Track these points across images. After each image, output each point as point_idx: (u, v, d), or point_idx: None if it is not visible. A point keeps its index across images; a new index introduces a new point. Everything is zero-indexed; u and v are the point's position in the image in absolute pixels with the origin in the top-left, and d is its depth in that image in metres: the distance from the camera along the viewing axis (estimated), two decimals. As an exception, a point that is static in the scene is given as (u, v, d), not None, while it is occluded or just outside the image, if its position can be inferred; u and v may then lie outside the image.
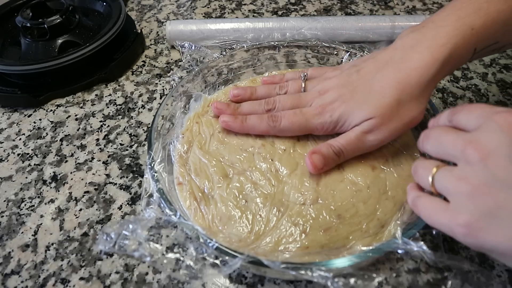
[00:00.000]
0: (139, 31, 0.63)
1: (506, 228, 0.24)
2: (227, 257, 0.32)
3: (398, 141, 0.42)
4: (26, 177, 0.46)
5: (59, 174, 0.46)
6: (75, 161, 0.48)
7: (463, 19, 0.35)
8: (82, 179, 0.46)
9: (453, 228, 0.26)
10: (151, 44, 0.65)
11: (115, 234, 0.33)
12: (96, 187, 0.45)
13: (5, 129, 0.53)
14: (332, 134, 0.40)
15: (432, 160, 0.31)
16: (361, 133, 0.37)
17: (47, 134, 0.51)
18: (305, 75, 0.44)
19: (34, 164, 0.48)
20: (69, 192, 0.44)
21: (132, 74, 0.59)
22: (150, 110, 0.53)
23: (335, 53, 0.51)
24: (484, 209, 0.24)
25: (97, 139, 0.50)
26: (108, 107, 0.54)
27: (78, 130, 0.51)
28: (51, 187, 0.45)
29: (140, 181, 0.45)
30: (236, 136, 0.43)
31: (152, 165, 0.38)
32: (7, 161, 0.48)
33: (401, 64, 0.37)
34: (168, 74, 0.59)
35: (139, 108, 0.54)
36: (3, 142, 0.51)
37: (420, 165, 0.31)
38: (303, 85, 0.43)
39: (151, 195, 0.37)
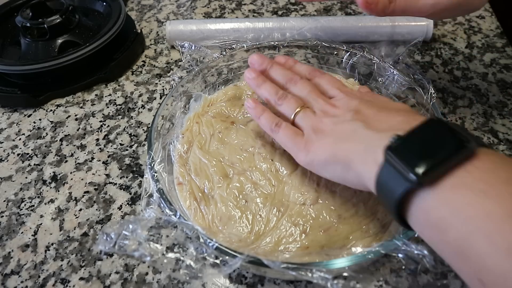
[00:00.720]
0: (139, 31, 0.63)
1: (330, 141, 0.33)
2: (227, 257, 0.32)
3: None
4: (26, 177, 0.46)
5: (59, 174, 0.46)
6: (75, 161, 0.48)
7: None
8: (82, 179, 0.46)
9: (300, 149, 0.35)
10: (151, 44, 0.65)
11: (115, 234, 0.33)
12: (96, 187, 0.45)
13: (5, 129, 0.53)
14: None
15: (295, 99, 0.38)
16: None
17: (47, 134, 0.51)
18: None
19: (34, 164, 0.48)
20: (69, 192, 0.44)
21: (132, 74, 0.59)
22: (150, 110, 0.53)
23: (335, 53, 0.51)
24: (321, 133, 0.34)
25: (97, 139, 0.50)
26: (108, 107, 0.54)
27: (78, 130, 0.51)
28: (51, 187, 0.45)
29: (140, 181, 0.45)
30: (236, 136, 0.43)
31: (152, 165, 0.38)
32: (7, 161, 0.48)
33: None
34: (168, 74, 0.59)
35: (139, 108, 0.54)
36: (3, 142, 0.51)
37: (287, 99, 0.38)
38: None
39: (151, 195, 0.37)
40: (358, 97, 0.36)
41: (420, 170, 0.25)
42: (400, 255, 0.31)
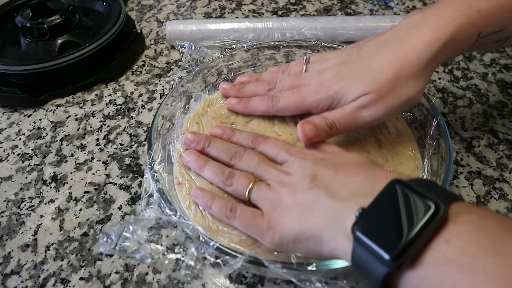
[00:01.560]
0: (139, 31, 0.63)
1: (294, 217, 0.31)
2: (227, 257, 0.32)
3: (398, 140, 0.42)
4: (26, 177, 0.46)
5: (59, 174, 0.46)
6: (75, 161, 0.48)
7: (470, 1, 0.35)
8: (82, 179, 0.46)
9: (264, 231, 0.32)
10: (151, 44, 0.65)
11: (115, 235, 0.33)
12: (96, 187, 0.45)
13: (5, 129, 0.53)
14: None
15: (244, 175, 0.36)
16: (356, 108, 0.36)
17: (47, 134, 0.51)
18: (307, 58, 0.44)
19: (34, 164, 0.48)
20: (69, 192, 0.44)
21: (132, 74, 0.59)
22: (150, 110, 0.53)
23: (335, 53, 0.51)
24: (283, 209, 0.32)
25: (97, 139, 0.50)
26: (108, 107, 0.54)
27: (78, 130, 0.51)
28: (51, 187, 0.45)
29: (140, 181, 0.45)
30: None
31: (152, 165, 0.38)
32: (7, 161, 0.48)
33: (401, 42, 0.36)
34: (168, 74, 0.59)
35: (139, 108, 0.54)
36: (3, 142, 0.51)
37: (236, 177, 0.36)
38: (305, 68, 0.43)
39: (151, 195, 0.37)
40: (310, 158, 0.34)
41: (395, 251, 0.23)
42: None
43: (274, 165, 0.36)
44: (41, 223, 0.42)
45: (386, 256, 0.23)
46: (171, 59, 0.61)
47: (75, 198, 0.44)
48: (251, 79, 0.46)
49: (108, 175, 0.46)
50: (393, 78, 0.35)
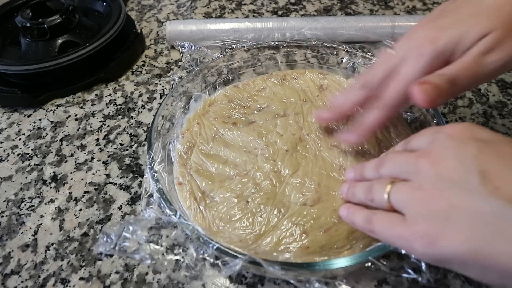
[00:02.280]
0: (139, 31, 0.63)
1: (461, 229, 0.23)
2: (227, 258, 0.32)
3: (399, 140, 0.42)
4: (26, 177, 0.46)
5: (59, 174, 0.46)
6: (75, 161, 0.48)
7: None
8: (82, 179, 0.46)
9: (412, 240, 0.25)
10: (151, 44, 0.65)
11: (115, 235, 0.33)
12: (96, 187, 0.45)
13: (5, 129, 0.53)
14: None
15: (379, 181, 0.29)
16: (479, 54, 0.29)
17: (47, 134, 0.51)
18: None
19: (34, 164, 0.48)
20: (69, 192, 0.44)
21: (132, 74, 0.59)
22: (150, 110, 0.53)
23: (335, 53, 0.51)
24: (438, 213, 0.23)
25: (97, 139, 0.50)
26: (108, 107, 0.54)
27: (78, 130, 0.51)
28: (51, 187, 0.45)
29: (140, 181, 0.45)
30: (239, 137, 0.43)
31: (152, 165, 0.38)
32: (7, 161, 0.48)
33: None
34: (168, 74, 0.59)
35: (139, 108, 0.54)
36: (3, 142, 0.51)
37: (372, 185, 0.29)
38: None
39: (151, 195, 0.37)
40: (468, 136, 0.25)
41: None
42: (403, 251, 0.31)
43: (414, 153, 0.27)
44: (41, 223, 0.42)
45: None
46: (171, 59, 0.61)
47: (75, 198, 0.44)
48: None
49: (108, 175, 0.46)
50: None
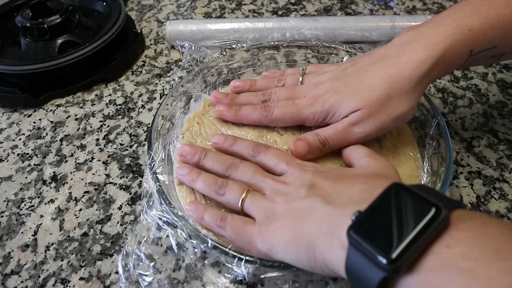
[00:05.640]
0: (139, 31, 0.63)
1: (287, 222, 0.30)
2: (227, 258, 0.32)
3: (399, 140, 0.42)
4: (26, 177, 0.46)
5: (59, 174, 0.46)
6: (75, 161, 0.48)
7: (461, 19, 0.35)
8: (82, 179, 0.46)
9: (255, 237, 0.31)
10: (151, 44, 0.65)
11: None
12: (96, 187, 0.45)
13: (5, 129, 0.53)
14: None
15: (237, 184, 0.34)
16: (348, 124, 0.37)
17: (47, 134, 0.51)
18: (303, 69, 0.44)
19: (34, 164, 0.48)
20: (69, 192, 0.44)
21: (132, 74, 0.59)
22: (150, 110, 0.53)
23: (335, 53, 0.51)
24: (277, 215, 0.31)
25: (97, 139, 0.50)
26: (108, 107, 0.54)
27: (78, 130, 0.51)
28: (51, 187, 0.45)
29: (140, 181, 0.45)
30: (239, 137, 0.43)
31: (152, 165, 0.38)
32: (7, 161, 0.48)
33: (395, 58, 0.36)
34: (168, 74, 0.59)
35: (139, 108, 0.54)
36: (3, 142, 0.51)
37: (228, 183, 0.35)
38: (301, 79, 0.43)
39: (151, 195, 0.37)
40: (310, 169, 0.34)
41: (393, 254, 0.21)
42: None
43: (271, 175, 0.35)
44: (41, 223, 0.42)
45: (382, 259, 0.22)
46: (171, 59, 0.61)
47: (75, 198, 0.44)
48: (245, 85, 0.46)
49: (108, 175, 0.46)
50: (385, 95, 0.36)
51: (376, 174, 0.32)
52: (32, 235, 0.41)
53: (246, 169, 0.35)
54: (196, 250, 0.34)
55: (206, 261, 0.37)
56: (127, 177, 0.45)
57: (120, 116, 0.53)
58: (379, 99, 0.36)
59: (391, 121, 0.37)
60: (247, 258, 0.31)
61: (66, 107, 0.55)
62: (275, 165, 0.36)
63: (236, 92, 0.46)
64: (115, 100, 0.55)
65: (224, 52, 0.51)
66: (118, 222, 0.41)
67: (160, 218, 0.35)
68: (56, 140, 0.50)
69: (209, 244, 0.32)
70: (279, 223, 0.30)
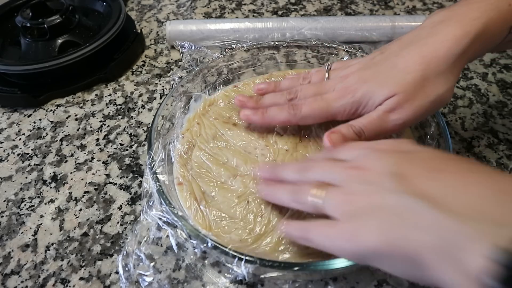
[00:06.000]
0: (139, 31, 0.63)
1: (378, 224, 0.25)
2: (227, 258, 0.32)
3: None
4: (26, 177, 0.46)
5: (59, 174, 0.46)
6: (75, 161, 0.48)
7: None
8: (82, 179, 0.46)
9: (342, 239, 0.27)
10: (151, 44, 0.65)
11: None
12: (96, 187, 0.45)
13: (5, 129, 0.53)
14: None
15: (309, 184, 0.30)
16: (384, 112, 0.35)
17: (47, 134, 0.51)
18: (329, 65, 0.42)
19: (34, 164, 0.48)
20: (69, 192, 0.44)
21: (132, 74, 0.59)
22: (150, 110, 0.53)
23: (335, 53, 0.51)
24: (362, 212, 0.26)
25: (97, 139, 0.50)
26: (108, 107, 0.54)
27: (78, 130, 0.51)
28: (51, 187, 0.45)
29: (140, 181, 0.45)
30: (239, 138, 0.43)
31: (152, 165, 0.38)
32: (7, 161, 0.48)
33: (427, 39, 0.34)
34: (168, 74, 0.59)
35: (139, 108, 0.54)
36: (3, 142, 0.51)
37: (300, 188, 0.31)
38: (327, 75, 0.41)
39: (151, 195, 0.37)
40: (389, 149, 0.29)
41: None
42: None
43: (340, 163, 0.30)
44: (41, 223, 0.42)
45: None
46: (171, 59, 0.61)
47: (75, 198, 0.44)
48: (269, 87, 0.44)
49: (108, 175, 0.46)
50: (421, 77, 0.33)
51: (471, 161, 0.29)
52: (32, 235, 0.41)
53: (318, 168, 0.31)
54: (196, 250, 0.34)
55: (206, 261, 0.37)
56: (127, 177, 0.45)
57: (120, 116, 0.53)
58: (414, 81, 0.33)
59: (430, 104, 0.34)
60: (247, 258, 0.31)
61: (66, 107, 0.55)
62: (345, 154, 0.31)
63: (261, 94, 0.44)
64: (115, 100, 0.55)
65: (224, 52, 0.51)
66: (118, 222, 0.41)
67: (160, 218, 0.35)
68: (56, 140, 0.50)
69: (209, 244, 0.32)
70: (361, 222, 0.26)
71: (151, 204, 0.36)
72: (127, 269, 0.34)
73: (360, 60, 0.40)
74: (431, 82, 0.34)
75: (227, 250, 0.31)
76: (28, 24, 0.57)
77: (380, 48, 0.39)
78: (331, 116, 0.38)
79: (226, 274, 0.35)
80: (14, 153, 0.49)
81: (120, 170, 0.46)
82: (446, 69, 0.33)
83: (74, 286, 0.37)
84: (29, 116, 0.54)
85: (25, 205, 0.44)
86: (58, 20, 0.57)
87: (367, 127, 0.35)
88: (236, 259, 0.31)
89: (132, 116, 0.53)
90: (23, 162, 0.48)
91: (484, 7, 0.33)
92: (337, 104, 0.37)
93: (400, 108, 0.34)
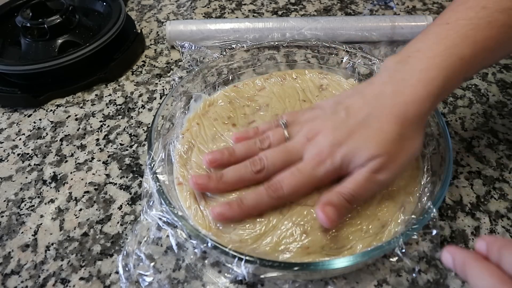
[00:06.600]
0: (139, 31, 0.63)
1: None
2: (227, 258, 0.32)
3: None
4: (26, 177, 0.46)
5: (59, 174, 0.46)
6: (75, 161, 0.48)
7: (451, 49, 0.35)
8: (82, 179, 0.46)
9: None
10: (151, 44, 0.65)
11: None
12: (96, 187, 0.45)
13: (5, 129, 0.53)
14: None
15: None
16: (370, 173, 0.35)
17: (47, 134, 0.51)
18: (284, 122, 0.40)
19: (34, 164, 0.48)
20: (69, 192, 0.44)
21: (132, 74, 0.59)
22: (150, 110, 0.53)
23: (335, 53, 0.51)
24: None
25: (97, 139, 0.50)
26: (108, 107, 0.54)
27: (78, 130, 0.51)
28: (51, 187, 0.45)
29: (140, 181, 0.45)
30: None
31: (152, 165, 0.38)
32: (7, 161, 0.48)
33: (395, 98, 0.36)
34: (168, 74, 0.59)
35: (139, 108, 0.54)
36: (3, 142, 0.51)
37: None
38: (286, 133, 0.39)
39: (151, 195, 0.37)
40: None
41: None
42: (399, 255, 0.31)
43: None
44: (41, 223, 0.42)
45: None
46: (171, 59, 0.62)
47: (75, 198, 0.44)
48: (223, 157, 0.39)
49: (108, 175, 0.46)
50: (398, 136, 0.35)
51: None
52: (32, 235, 0.41)
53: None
54: (196, 250, 0.34)
55: (206, 261, 0.37)
56: (127, 177, 0.45)
57: (120, 116, 0.53)
58: (394, 142, 0.35)
59: (409, 159, 0.36)
60: (247, 258, 0.31)
61: (66, 107, 0.55)
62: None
63: (214, 167, 0.39)
64: (115, 100, 0.55)
65: (224, 52, 0.51)
66: (118, 222, 0.41)
67: (160, 218, 0.35)
68: (56, 140, 0.50)
69: (209, 244, 0.32)
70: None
71: (151, 204, 0.36)
72: (127, 269, 0.34)
73: (318, 114, 0.39)
74: (407, 140, 0.36)
75: (227, 250, 0.31)
76: (28, 24, 0.57)
77: (337, 100, 0.39)
78: (316, 186, 0.37)
79: (226, 274, 0.35)
80: (14, 153, 0.49)
81: (120, 170, 0.46)
82: (417, 126, 0.36)
83: (74, 286, 0.37)
84: (29, 116, 0.54)
85: (25, 205, 0.44)
86: (58, 20, 0.57)
87: (357, 192, 0.35)
88: (236, 259, 0.31)
89: (132, 116, 0.53)
90: (23, 162, 0.48)
91: (440, 64, 0.35)
92: (318, 173, 0.36)
93: (386, 168, 0.35)
